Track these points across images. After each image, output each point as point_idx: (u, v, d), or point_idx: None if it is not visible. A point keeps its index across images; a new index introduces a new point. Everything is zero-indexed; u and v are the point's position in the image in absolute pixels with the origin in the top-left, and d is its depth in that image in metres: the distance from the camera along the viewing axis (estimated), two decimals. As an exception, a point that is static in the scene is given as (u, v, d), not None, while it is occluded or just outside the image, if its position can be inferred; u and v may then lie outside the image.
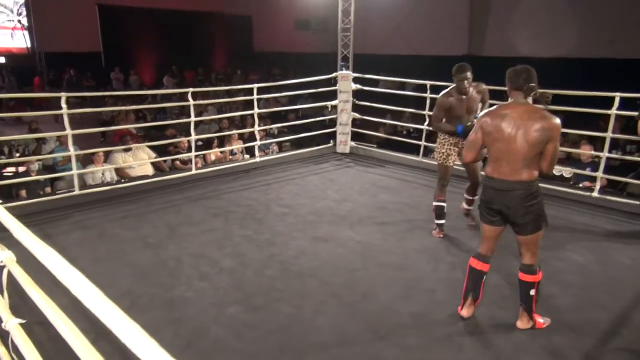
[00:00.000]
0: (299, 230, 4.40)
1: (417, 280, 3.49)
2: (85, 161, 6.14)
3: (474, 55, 12.16)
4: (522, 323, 2.91)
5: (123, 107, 8.27)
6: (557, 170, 6.09)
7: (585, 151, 5.94)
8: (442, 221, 4.25)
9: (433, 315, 3.07)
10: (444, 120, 4.11)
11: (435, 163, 4.36)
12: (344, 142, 7.21)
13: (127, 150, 6.20)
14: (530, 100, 2.77)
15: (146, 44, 16.29)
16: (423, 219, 4.59)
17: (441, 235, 4.22)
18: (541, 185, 2.84)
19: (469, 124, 3.92)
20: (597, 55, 9.91)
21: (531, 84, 2.70)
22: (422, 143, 6.44)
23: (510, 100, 2.77)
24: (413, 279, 3.51)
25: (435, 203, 4.25)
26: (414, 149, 6.75)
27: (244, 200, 5.20)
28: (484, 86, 4.13)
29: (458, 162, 4.33)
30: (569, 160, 6.51)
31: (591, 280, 3.50)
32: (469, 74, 3.91)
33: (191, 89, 5.75)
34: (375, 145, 7.40)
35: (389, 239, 4.20)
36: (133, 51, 16.24)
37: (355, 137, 7.29)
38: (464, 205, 4.52)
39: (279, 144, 7.91)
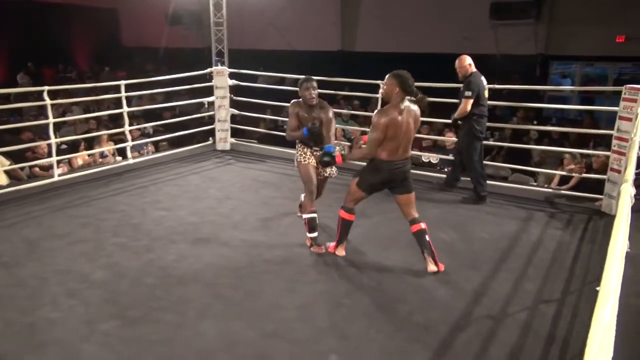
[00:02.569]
0: (179, 233, 4.21)
1: (301, 274, 3.53)
2: None
3: (346, 51, 12.65)
4: (431, 267, 3.52)
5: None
6: (426, 157, 6.60)
7: (449, 138, 6.51)
8: (316, 234, 3.90)
9: (317, 305, 3.13)
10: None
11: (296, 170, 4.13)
12: (224, 139, 7.06)
13: (-28, 158, 5.43)
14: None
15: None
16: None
17: (322, 250, 3.84)
18: (412, 171, 3.72)
19: (311, 125, 3.86)
20: (455, 50, 10.88)
21: (416, 90, 3.36)
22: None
23: (396, 100, 3.33)
24: (297, 272, 3.55)
25: (307, 215, 3.87)
26: (294, 143, 6.83)
27: (117, 205, 4.85)
28: (328, 107, 4.07)
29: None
30: (435, 147, 7.08)
31: (457, 256, 3.84)
32: (314, 84, 3.92)
33: (47, 87, 5.20)
34: (256, 141, 7.37)
35: (273, 235, 4.20)
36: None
37: (235, 133, 7.18)
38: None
39: (155, 143, 7.50)
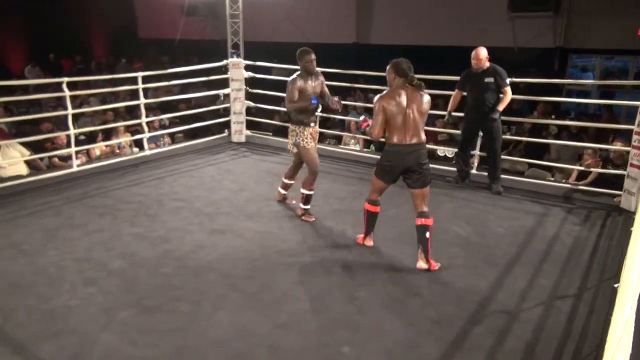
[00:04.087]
0: (195, 224, 4.25)
1: (314, 265, 3.55)
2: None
3: (362, 43, 12.55)
4: (421, 264, 3.50)
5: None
6: (442, 151, 6.55)
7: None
8: (309, 206, 4.41)
9: (331, 297, 3.14)
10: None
11: (292, 152, 4.49)
12: (239, 131, 7.09)
13: (-6, 148, 5.52)
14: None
15: (11, 29, 14.57)
16: (318, 204, 4.68)
17: (313, 219, 4.35)
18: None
19: (323, 100, 4.31)
20: (471, 43, 10.74)
21: (412, 74, 3.46)
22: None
23: (394, 85, 3.48)
24: (310, 264, 3.57)
25: (308, 192, 4.34)
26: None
27: (134, 196, 4.91)
28: (319, 72, 4.42)
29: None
30: (451, 141, 7.01)
31: (472, 250, 3.82)
32: (313, 56, 4.25)
33: (66, 79, 5.27)
34: (270, 134, 7.38)
35: (287, 226, 4.22)
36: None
37: (250, 125, 7.20)
38: (281, 191, 4.75)
39: (171, 135, 7.55)
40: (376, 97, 3.49)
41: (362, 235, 3.90)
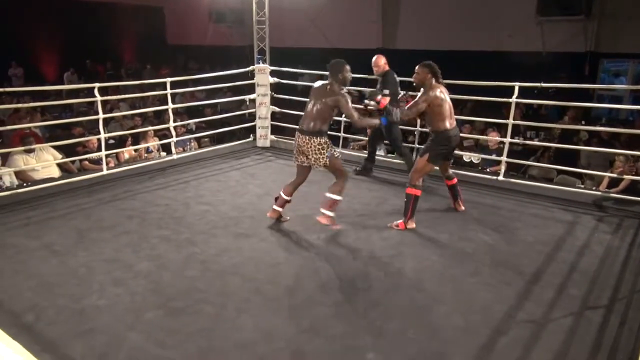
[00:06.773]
0: (220, 227, 4.30)
1: (338, 270, 3.54)
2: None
3: (387, 48, 12.52)
4: (462, 207, 4.66)
5: (21, 105, 7.60)
6: (467, 156, 6.46)
7: (493, 138, 6.34)
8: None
9: (355, 302, 3.13)
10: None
11: (321, 166, 4.19)
12: (264, 136, 7.15)
13: (29, 151, 5.71)
14: None
15: (46, 36, 15.07)
16: (342, 208, 4.67)
17: (340, 227, 4.23)
18: (453, 171, 4.71)
19: (392, 115, 4.23)
20: (498, 48, 10.60)
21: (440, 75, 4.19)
22: (341, 134, 6.57)
23: (431, 83, 4.12)
24: (334, 269, 3.56)
25: (340, 197, 4.16)
26: (333, 141, 6.84)
27: (161, 199, 4.99)
28: None
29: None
30: (477, 147, 6.92)
31: (499, 258, 3.75)
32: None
33: (97, 84, 5.41)
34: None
35: (311, 231, 4.22)
36: (32, 45, 14.97)
37: (275, 130, 7.26)
38: (277, 209, 4.37)
39: (198, 140, 7.67)
40: (423, 91, 4.12)
41: (402, 221, 4.24)
